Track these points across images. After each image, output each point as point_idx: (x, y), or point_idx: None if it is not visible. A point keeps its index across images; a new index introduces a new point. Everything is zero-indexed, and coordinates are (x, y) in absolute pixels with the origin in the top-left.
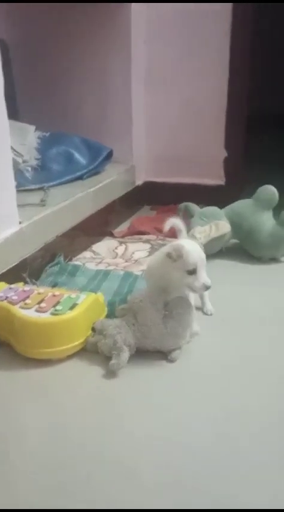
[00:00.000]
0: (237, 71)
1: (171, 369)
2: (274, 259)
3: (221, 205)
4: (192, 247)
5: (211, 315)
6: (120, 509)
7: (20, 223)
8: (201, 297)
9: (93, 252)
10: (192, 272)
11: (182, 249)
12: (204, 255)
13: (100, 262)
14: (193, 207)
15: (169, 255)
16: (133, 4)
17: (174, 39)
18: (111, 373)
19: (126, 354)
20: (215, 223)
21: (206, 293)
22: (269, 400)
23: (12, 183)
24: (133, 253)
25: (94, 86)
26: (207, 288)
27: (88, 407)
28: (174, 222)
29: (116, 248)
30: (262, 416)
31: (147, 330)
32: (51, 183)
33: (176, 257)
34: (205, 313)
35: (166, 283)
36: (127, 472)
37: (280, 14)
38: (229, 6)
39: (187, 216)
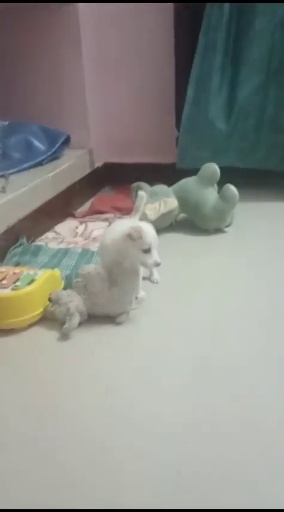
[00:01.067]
0: (182, 50)
1: (118, 331)
2: (218, 230)
3: (176, 182)
4: (148, 229)
5: (157, 283)
6: (121, 509)
7: None
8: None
9: (55, 232)
10: (147, 251)
11: (141, 230)
12: (156, 236)
13: (61, 242)
14: (144, 186)
15: (130, 236)
16: None
17: (121, 23)
18: (64, 336)
19: (76, 318)
20: (164, 200)
21: None
22: (209, 354)
23: None
24: (92, 231)
25: (48, 74)
26: (157, 265)
27: (46, 367)
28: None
29: (77, 228)
30: (202, 368)
31: (95, 297)
32: (12, 170)
33: (136, 238)
34: (152, 282)
35: (121, 258)
36: (75, 427)
37: None
38: None
39: None
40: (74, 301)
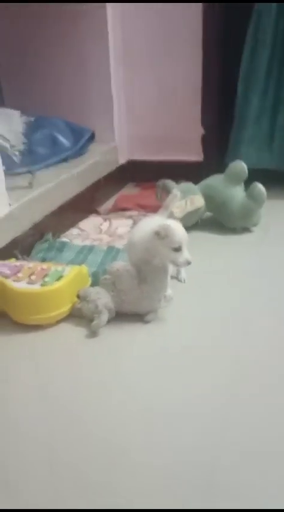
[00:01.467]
0: (210, 50)
1: (146, 329)
2: (245, 229)
3: (201, 179)
4: (177, 227)
5: (184, 282)
6: (121, 509)
7: (10, 205)
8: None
9: (80, 229)
10: (177, 249)
11: (169, 229)
12: (186, 234)
13: (86, 238)
14: (170, 183)
15: (157, 233)
16: None
17: (149, 20)
18: (92, 333)
19: (105, 316)
20: (191, 198)
21: None
22: (236, 351)
23: (0, 168)
24: (116, 228)
25: (74, 69)
26: (188, 263)
27: (73, 364)
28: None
29: (101, 224)
30: (233, 366)
31: (123, 295)
32: (38, 166)
33: (164, 236)
34: (179, 280)
35: (150, 256)
36: (101, 426)
37: None
38: None
39: (166, 193)
40: (102, 299)
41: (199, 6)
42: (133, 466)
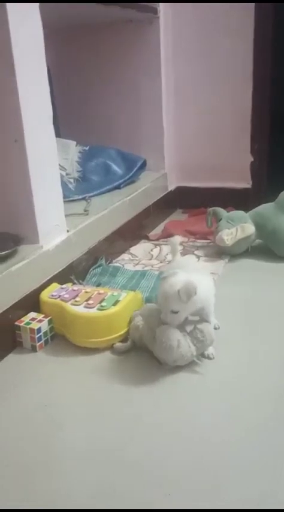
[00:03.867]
0: (260, 81)
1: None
2: None
3: (249, 206)
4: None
5: (213, 358)
6: (121, 509)
7: (67, 231)
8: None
9: (131, 254)
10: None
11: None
12: (167, 296)
13: (137, 264)
14: (221, 211)
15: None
16: (161, 22)
17: (199, 52)
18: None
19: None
20: (241, 226)
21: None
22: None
23: (60, 196)
24: (167, 254)
25: (128, 100)
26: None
27: (131, 388)
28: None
29: (151, 250)
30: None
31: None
32: (92, 193)
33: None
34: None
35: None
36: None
37: None
38: (251, 22)
39: (216, 220)
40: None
41: (248, 35)
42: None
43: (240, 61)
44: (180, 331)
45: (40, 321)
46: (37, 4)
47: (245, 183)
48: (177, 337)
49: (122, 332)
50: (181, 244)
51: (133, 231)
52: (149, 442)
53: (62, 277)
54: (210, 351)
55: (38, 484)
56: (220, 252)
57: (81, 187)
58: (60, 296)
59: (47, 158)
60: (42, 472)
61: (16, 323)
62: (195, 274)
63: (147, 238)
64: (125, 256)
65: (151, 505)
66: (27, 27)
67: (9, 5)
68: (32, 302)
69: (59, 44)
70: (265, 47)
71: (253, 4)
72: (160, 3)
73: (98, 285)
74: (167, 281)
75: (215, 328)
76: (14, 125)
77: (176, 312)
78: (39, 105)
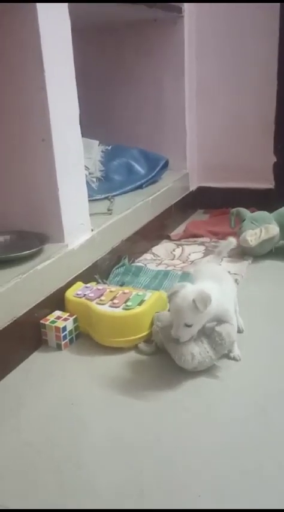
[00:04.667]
0: None
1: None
2: None
3: (271, 207)
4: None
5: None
6: (121, 509)
7: (92, 230)
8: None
9: (153, 254)
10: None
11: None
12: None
13: (160, 263)
14: (244, 211)
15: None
16: (186, 22)
17: (222, 53)
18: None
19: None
20: (265, 227)
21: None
22: None
23: (85, 196)
24: (189, 254)
25: (151, 100)
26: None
27: (153, 389)
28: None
29: (174, 250)
30: None
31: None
32: (115, 193)
33: (202, 309)
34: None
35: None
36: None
37: None
38: (276, 22)
39: (239, 220)
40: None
41: (273, 35)
42: None
43: (264, 61)
44: (194, 339)
45: (65, 319)
46: (66, 4)
47: (268, 184)
48: (190, 350)
49: (147, 332)
50: (203, 244)
51: (155, 231)
52: (176, 442)
53: (86, 276)
54: (236, 352)
55: (65, 480)
56: (243, 253)
57: (104, 187)
58: (85, 295)
59: (73, 158)
60: (69, 470)
61: (41, 321)
62: (207, 281)
63: (169, 238)
64: (147, 256)
65: (180, 506)
66: (56, 25)
67: (39, 4)
68: (57, 300)
69: (82, 44)
70: None
71: (278, 4)
72: (185, 3)
73: (121, 285)
74: (177, 295)
75: (239, 332)
76: (41, 124)
77: (190, 326)
78: (67, 104)
